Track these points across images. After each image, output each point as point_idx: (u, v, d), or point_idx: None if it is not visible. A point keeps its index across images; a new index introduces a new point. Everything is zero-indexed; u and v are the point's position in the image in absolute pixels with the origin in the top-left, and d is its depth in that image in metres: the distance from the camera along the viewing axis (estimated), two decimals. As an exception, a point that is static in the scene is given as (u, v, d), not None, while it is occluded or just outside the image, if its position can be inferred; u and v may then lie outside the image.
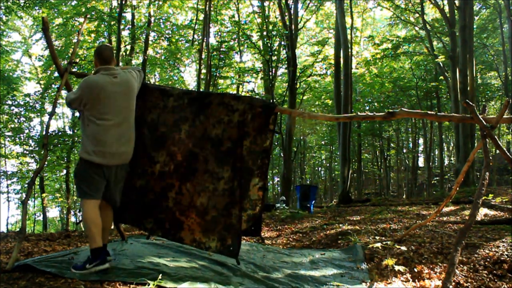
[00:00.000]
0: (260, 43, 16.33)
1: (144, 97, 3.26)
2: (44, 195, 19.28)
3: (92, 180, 2.93)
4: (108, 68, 2.99)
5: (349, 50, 14.43)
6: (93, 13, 14.16)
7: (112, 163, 2.95)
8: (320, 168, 35.97)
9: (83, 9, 13.81)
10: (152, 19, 17.05)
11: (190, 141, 3.16)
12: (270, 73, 15.88)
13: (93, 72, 3.11)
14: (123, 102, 2.97)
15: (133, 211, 3.30)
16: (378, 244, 3.75)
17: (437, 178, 22.07)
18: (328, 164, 30.91)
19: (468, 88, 12.97)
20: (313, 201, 10.22)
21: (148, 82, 18.82)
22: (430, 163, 23.22)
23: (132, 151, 3.06)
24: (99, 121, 2.89)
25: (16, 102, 16.22)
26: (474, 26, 16.73)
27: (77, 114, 15.55)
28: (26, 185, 17.89)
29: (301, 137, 27.69)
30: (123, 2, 14.51)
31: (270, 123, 3.09)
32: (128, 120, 3.01)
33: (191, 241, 3.14)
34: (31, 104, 16.49)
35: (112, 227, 5.43)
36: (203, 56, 14.56)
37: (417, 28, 19.51)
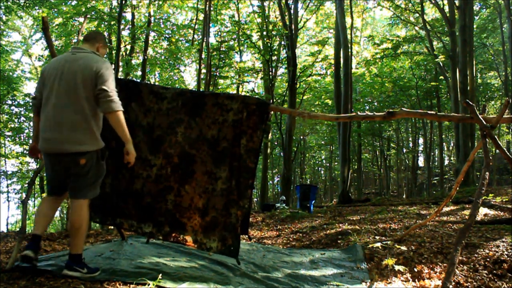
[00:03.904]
0: (260, 43, 16.34)
1: (138, 100, 3.24)
2: (44, 195, 19.26)
3: (46, 170, 2.81)
4: (75, 47, 2.83)
5: (349, 50, 14.44)
6: (93, 13, 14.17)
7: (51, 151, 2.65)
8: (320, 168, 36.00)
9: (83, 9, 13.81)
10: (152, 19, 17.07)
11: (186, 143, 3.15)
12: (270, 73, 15.89)
13: None
14: (72, 81, 2.62)
15: (129, 216, 3.28)
16: (378, 244, 3.75)
17: (437, 178, 22.08)
18: (328, 164, 30.93)
19: (468, 88, 12.97)
20: (313, 201, 10.22)
21: (148, 82, 18.88)
22: (430, 163, 23.23)
23: (83, 141, 2.63)
24: (44, 105, 2.69)
25: (16, 102, 16.23)
26: (474, 26, 16.74)
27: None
28: (26, 185, 17.90)
29: (301, 137, 27.70)
30: (123, 2, 14.51)
31: (264, 122, 3.08)
32: (79, 105, 2.61)
33: (193, 242, 3.14)
34: (31, 104, 16.47)
35: (112, 227, 5.43)
36: (203, 56, 14.57)
37: (417, 28, 19.52)
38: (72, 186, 2.77)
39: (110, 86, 2.62)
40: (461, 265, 3.08)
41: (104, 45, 2.95)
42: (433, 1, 15.93)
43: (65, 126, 2.60)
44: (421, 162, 29.74)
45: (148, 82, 15.58)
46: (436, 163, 28.01)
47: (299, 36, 18.26)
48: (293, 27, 14.81)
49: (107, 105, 2.59)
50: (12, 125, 16.47)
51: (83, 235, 2.75)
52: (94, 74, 2.62)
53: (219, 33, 17.24)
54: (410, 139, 28.31)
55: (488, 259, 3.15)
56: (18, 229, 9.43)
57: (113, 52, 15.44)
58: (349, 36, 14.52)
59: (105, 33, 16.26)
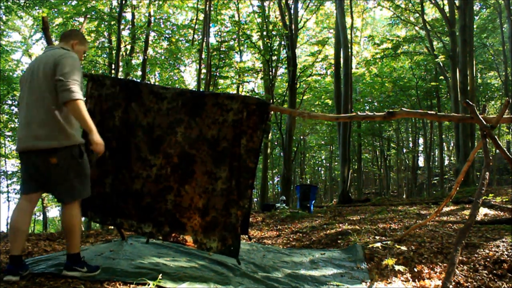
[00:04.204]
0: (260, 43, 16.34)
1: (138, 100, 3.24)
2: (44, 195, 19.29)
3: (21, 171, 2.78)
4: (48, 47, 2.84)
5: (349, 50, 14.44)
6: (93, 13, 14.18)
7: (23, 150, 2.60)
8: (320, 168, 36.01)
9: (83, 9, 13.82)
10: (152, 19, 17.08)
11: (186, 143, 3.15)
12: (270, 73, 15.90)
13: None
14: (38, 79, 2.60)
15: (129, 216, 3.27)
16: (378, 244, 3.75)
17: (437, 178, 22.08)
18: (328, 164, 30.94)
19: (468, 88, 12.97)
20: (313, 201, 10.22)
21: (148, 81, 18.91)
22: (430, 163, 23.23)
23: (51, 137, 2.54)
24: (20, 107, 2.70)
25: (16, 102, 16.23)
26: (474, 26, 16.75)
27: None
28: (26, 185, 17.87)
29: (301, 137, 27.70)
30: (123, 2, 14.52)
31: (264, 122, 3.09)
32: (43, 100, 2.57)
33: (193, 242, 3.14)
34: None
35: (112, 227, 5.43)
36: (203, 56, 14.57)
37: (417, 28, 19.53)
38: (54, 190, 2.69)
39: (67, 75, 2.49)
40: (461, 265, 3.09)
41: (81, 42, 2.88)
42: (433, 1, 15.93)
43: (33, 124, 2.55)
44: (421, 162, 29.78)
45: (148, 82, 15.58)
46: (436, 163, 28.01)
47: (299, 36, 18.25)
48: (293, 27, 14.81)
49: (62, 95, 2.47)
50: (12, 125, 16.48)
51: (77, 235, 2.68)
52: (53, 66, 2.55)
53: (219, 33, 17.24)
54: (410, 139, 28.33)
55: (488, 259, 3.15)
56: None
57: (113, 52, 15.45)
58: (349, 36, 14.52)
59: (105, 33, 16.28)
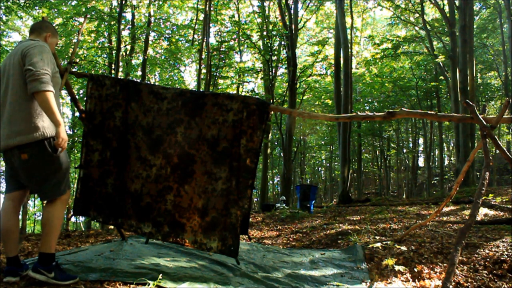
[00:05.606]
0: (260, 43, 16.35)
1: (138, 100, 3.24)
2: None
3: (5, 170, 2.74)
4: (20, 41, 2.75)
5: (349, 50, 14.44)
6: (93, 13, 14.17)
7: (3, 148, 2.54)
8: (320, 168, 36.01)
9: (83, 9, 13.82)
10: (152, 19, 17.08)
11: (186, 143, 3.15)
12: (270, 73, 15.90)
13: None
14: (10, 74, 2.53)
15: (129, 216, 3.26)
16: (378, 244, 3.75)
17: (437, 178, 22.08)
18: (328, 164, 30.96)
19: (468, 88, 12.98)
20: (313, 201, 10.21)
21: (148, 82, 18.89)
22: (430, 163, 23.23)
23: (21, 132, 2.45)
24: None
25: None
26: (474, 26, 16.76)
27: (77, 114, 15.58)
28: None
29: (301, 137, 27.71)
30: (123, 2, 14.52)
31: (264, 122, 3.09)
32: (15, 95, 2.49)
33: (192, 242, 3.14)
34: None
35: (112, 227, 5.43)
36: (203, 56, 14.57)
37: (417, 28, 19.54)
38: (32, 188, 2.64)
39: (37, 65, 2.38)
40: (461, 265, 3.09)
41: (54, 35, 2.78)
42: (433, 1, 15.94)
43: (10, 122, 2.49)
44: (421, 162, 29.78)
45: (148, 82, 15.57)
46: (436, 163, 28.01)
47: (299, 36, 18.26)
48: (293, 27, 14.81)
49: (31, 85, 2.36)
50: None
51: (53, 235, 2.57)
52: (21, 57, 2.47)
53: (219, 33, 17.25)
54: (410, 139, 28.32)
55: (488, 259, 3.15)
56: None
57: (113, 52, 15.45)
58: (349, 36, 14.52)
59: (105, 33, 16.28)
